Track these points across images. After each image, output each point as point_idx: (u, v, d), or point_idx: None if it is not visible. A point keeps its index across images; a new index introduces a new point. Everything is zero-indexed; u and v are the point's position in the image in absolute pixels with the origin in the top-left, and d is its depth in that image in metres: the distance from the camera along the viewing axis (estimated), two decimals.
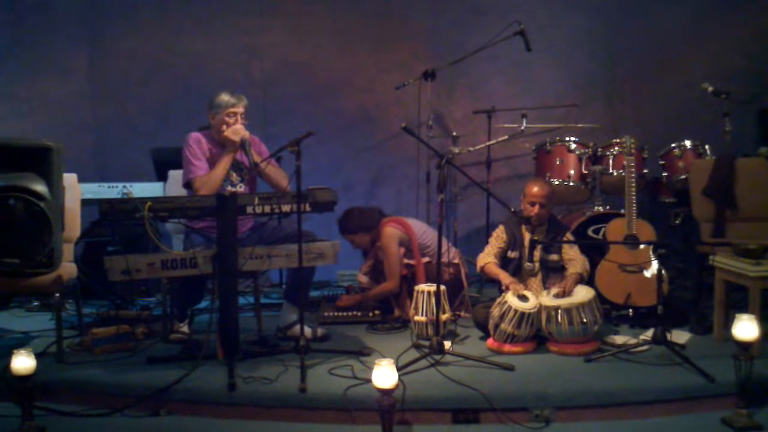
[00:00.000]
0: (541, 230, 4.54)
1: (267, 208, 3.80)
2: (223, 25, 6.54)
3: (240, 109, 4.26)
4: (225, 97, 4.25)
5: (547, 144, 5.48)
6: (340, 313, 4.90)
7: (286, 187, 4.26)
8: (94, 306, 5.18)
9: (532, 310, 4.07)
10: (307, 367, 3.65)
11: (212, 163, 4.26)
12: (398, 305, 4.91)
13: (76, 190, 4.56)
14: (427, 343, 4.02)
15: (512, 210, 4.33)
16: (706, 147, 5.28)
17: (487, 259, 4.55)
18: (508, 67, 6.49)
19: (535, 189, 4.46)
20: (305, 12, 6.58)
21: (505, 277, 4.40)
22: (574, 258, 4.44)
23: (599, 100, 6.53)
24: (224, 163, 4.21)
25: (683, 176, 5.20)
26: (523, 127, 5.76)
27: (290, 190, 3.96)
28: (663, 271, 3.94)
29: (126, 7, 6.50)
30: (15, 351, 3.26)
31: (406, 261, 4.92)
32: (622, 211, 4.78)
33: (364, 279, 5.14)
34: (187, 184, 4.26)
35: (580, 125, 5.82)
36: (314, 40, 6.59)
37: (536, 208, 4.44)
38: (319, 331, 4.44)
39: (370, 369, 3.18)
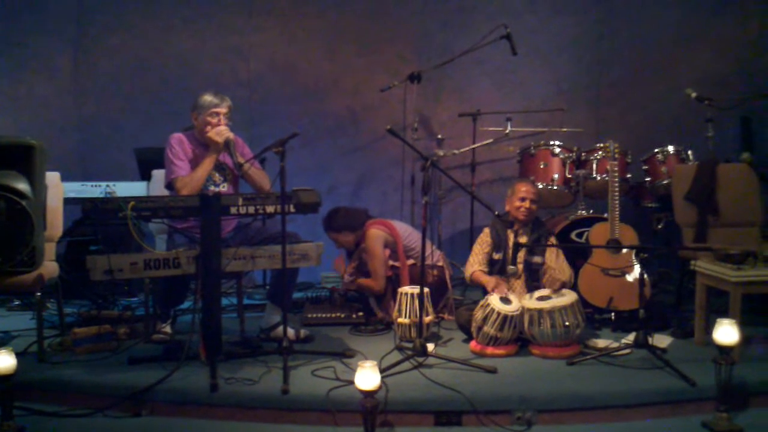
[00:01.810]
0: (525, 231, 4.57)
1: (251, 209, 3.80)
2: (211, 24, 6.51)
3: (223, 110, 4.25)
4: (208, 98, 4.24)
5: (532, 147, 5.50)
6: (323, 315, 4.90)
7: (269, 189, 4.25)
8: (76, 305, 5.14)
9: (515, 313, 4.08)
10: (290, 368, 3.64)
11: (195, 163, 4.25)
12: (381, 307, 4.91)
13: (59, 188, 4.53)
14: (410, 345, 4.02)
15: (496, 213, 4.34)
16: (689, 152, 5.33)
17: (474, 267, 4.57)
18: (494, 70, 6.51)
19: (525, 187, 4.56)
20: (294, 13, 6.56)
21: (488, 281, 4.42)
22: (560, 268, 4.45)
23: (584, 104, 6.56)
24: (207, 164, 4.20)
25: (666, 181, 5.24)
26: (507, 131, 5.79)
27: (274, 191, 3.96)
28: (645, 276, 3.97)
29: (112, 5, 6.46)
30: None
31: (391, 263, 4.93)
32: (605, 215, 4.81)
33: (348, 280, 5.13)
34: (169, 185, 4.25)
35: (564, 129, 5.85)
36: (302, 41, 6.58)
37: (527, 203, 4.49)
38: (302, 332, 4.44)
39: (353, 370, 3.18)
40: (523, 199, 4.52)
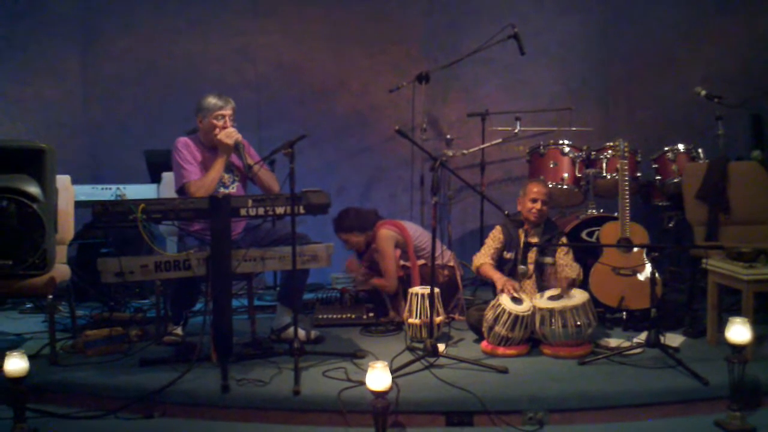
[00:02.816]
0: (537, 231, 4.56)
1: (261, 211, 3.80)
2: (217, 26, 6.53)
3: (228, 111, 4.26)
4: (212, 100, 4.24)
5: (541, 147, 5.49)
6: (334, 316, 4.90)
7: (278, 191, 4.26)
8: (87, 308, 5.16)
9: (526, 313, 4.07)
10: (301, 369, 3.64)
11: (202, 166, 4.25)
12: (393, 307, 4.91)
13: (69, 191, 4.54)
14: (421, 345, 4.02)
15: (506, 213, 4.34)
16: (699, 150, 5.31)
17: (483, 259, 4.56)
18: (502, 70, 6.50)
19: (536, 188, 4.53)
20: (300, 14, 6.58)
21: (499, 278, 4.41)
22: (569, 264, 4.45)
23: (593, 103, 6.55)
24: (218, 166, 4.20)
25: (676, 179, 5.22)
26: (517, 130, 5.78)
27: (283, 193, 3.96)
28: (656, 274, 3.95)
29: (120, 7, 6.49)
30: (8, 353, 3.25)
31: (401, 263, 4.92)
32: (616, 214, 4.79)
33: (362, 279, 5.13)
34: (180, 190, 4.25)
35: (573, 128, 5.84)
36: (309, 42, 6.59)
37: (538, 205, 4.48)
38: (313, 333, 4.44)
39: (364, 371, 3.18)
40: (534, 200, 4.51)
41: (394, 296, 4.92)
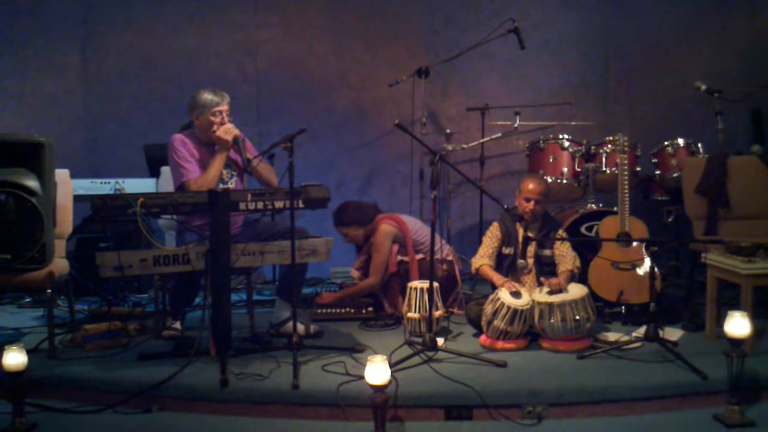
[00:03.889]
0: (534, 226, 4.55)
1: (260, 205, 3.80)
2: (217, 21, 6.51)
3: (224, 107, 4.23)
4: (208, 96, 4.21)
5: (541, 141, 5.48)
6: (333, 310, 4.90)
7: (277, 185, 4.25)
8: (86, 302, 5.17)
9: (525, 307, 4.07)
10: (300, 363, 3.65)
11: (200, 163, 4.24)
12: (388, 302, 4.91)
13: (68, 185, 4.54)
14: (420, 339, 4.02)
15: (506, 207, 4.33)
16: (699, 145, 5.30)
17: (482, 261, 4.55)
18: (502, 64, 6.49)
19: (531, 186, 4.48)
20: (300, 8, 6.56)
21: (497, 279, 4.40)
22: (565, 254, 4.45)
23: (593, 98, 6.54)
24: (218, 163, 4.18)
25: (676, 174, 5.21)
26: (516, 125, 5.77)
27: (282, 187, 3.95)
28: (655, 269, 3.95)
29: (120, 2, 6.47)
30: (6, 347, 3.25)
31: (400, 258, 4.92)
32: (615, 208, 4.79)
33: (356, 274, 5.14)
34: (180, 188, 4.22)
35: (573, 123, 5.83)
36: (309, 37, 6.58)
37: (531, 204, 4.46)
38: (312, 327, 4.44)
39: (363, 365, 3.18)
40: (528, 200, 4.48)
41: (387, 290, 4.92)
